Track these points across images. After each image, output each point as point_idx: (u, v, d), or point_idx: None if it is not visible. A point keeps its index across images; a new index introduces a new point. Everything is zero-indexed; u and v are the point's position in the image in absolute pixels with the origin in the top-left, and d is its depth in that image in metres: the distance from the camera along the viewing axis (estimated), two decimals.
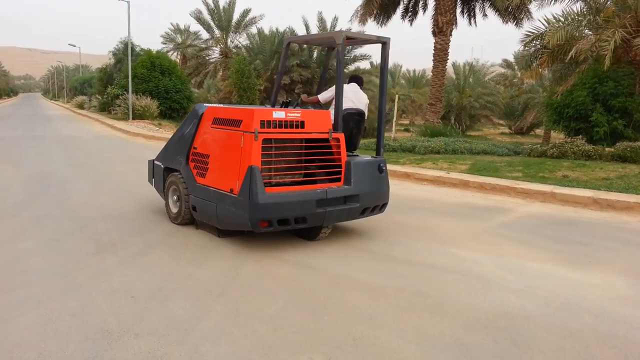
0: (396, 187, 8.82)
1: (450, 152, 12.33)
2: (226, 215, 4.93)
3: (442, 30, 18.48)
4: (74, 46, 44.24)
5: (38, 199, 6.77)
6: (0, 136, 16.58)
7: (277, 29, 29.53)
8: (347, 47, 27.60)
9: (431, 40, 19.28)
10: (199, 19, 34.51)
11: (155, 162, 6.32)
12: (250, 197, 4.59)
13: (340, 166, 5.18)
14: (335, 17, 28.02)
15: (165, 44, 43.28)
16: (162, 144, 6.58)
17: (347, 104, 5.62)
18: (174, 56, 43.49)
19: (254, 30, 32.96)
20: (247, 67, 15.55)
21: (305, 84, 27.47)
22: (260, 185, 4.60)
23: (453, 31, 19.11)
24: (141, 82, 25.14)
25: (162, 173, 6.10)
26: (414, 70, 43.69)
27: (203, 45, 37.36)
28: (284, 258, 4.74)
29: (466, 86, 32.70)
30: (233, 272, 4.23)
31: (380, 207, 5.61)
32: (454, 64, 34.80)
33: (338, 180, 5.16)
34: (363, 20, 19.79)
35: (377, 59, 25.12)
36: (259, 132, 4.67)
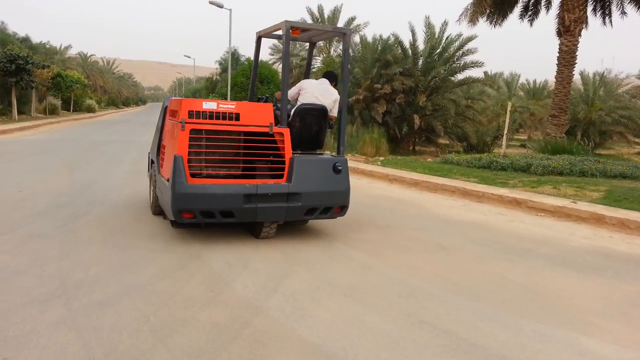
0: (501, 219, 6.78)
1: (576, 173, 9.82)
2: (166, 205, 4.87)
3: (569, 30, 15.60)
4: (189, 57, 46.19)
5: (49, 213, 5.77)
6: (92, 139, 16.77)
7: (380, 36, 27.89)
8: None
9: (555, 43, 16.46)
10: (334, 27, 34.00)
11: (150, 154, 6.52)
12: (172, 186, 4.58)
13: (284, 162, 5.00)
14: (445, 22, 25.73)
15: (273, 54, 43.74)
16: None
17: (309, 99, 5.50)
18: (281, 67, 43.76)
19: (357, 38, 31.68)
20: (338, 72, 14.04)
21: (408, 94, 25.51)
22: (181, 175, 4.58)
23: (582, 31, 16.12)
24: (240, 91, 24.88)
25: (149, 165, 6.37)
26: (534, 81, 39.66)
27: (306, 55, 36.84)
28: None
29: (596, 98, 28.57)
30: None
31: (333, 209, 5.24)
32: (581, 73, 30.72)
33: (280, 177, 4.98)
34: (473, 20, 17.52)
35: (491, 67, 22.59)
36: (186, 122, 4.67)
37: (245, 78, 25.25)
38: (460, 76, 26.79)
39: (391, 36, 27.15)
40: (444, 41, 25.64)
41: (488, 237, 5.85)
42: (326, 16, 33.51)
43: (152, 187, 6.07)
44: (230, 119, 4.88)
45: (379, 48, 27.14)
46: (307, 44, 7.13)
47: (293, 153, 5.10)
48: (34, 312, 3.12)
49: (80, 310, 3.19)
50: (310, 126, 5.46)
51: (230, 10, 24.13)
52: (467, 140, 26.99)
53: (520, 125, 34.95)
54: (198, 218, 4.67)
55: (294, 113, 5.41)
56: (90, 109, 42.08)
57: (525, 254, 5.15)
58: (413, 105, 25.51)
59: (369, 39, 28.65)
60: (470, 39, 24.72)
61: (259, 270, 4.17)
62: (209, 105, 4.86)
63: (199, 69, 41.83)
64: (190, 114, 4.73)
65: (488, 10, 17.67)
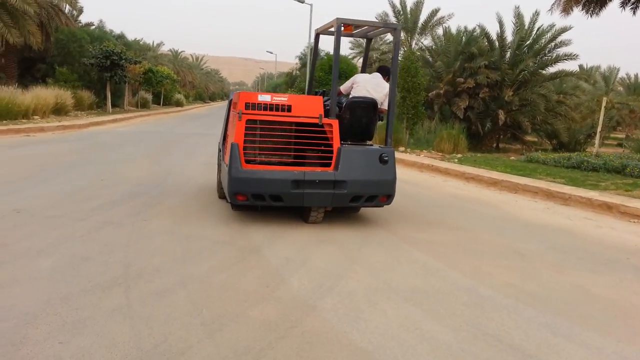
0: (588, 224, 6.22)
1: None
2: (225, 188, 5.36)
3: None
4: (271, 53, 47.11)
5: (124, 202, 6.01)
6: (177, 132, 17.54)
7: (465, 28, 26.80)
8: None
9: None
10: (384, 22, 33.47)
11: (219, 143, 6.86)
12: (229, 170, 5.03)
13: (332, 152, 5.26)
14: (536, 12, 24.22)
15: (353, 48, 43.57)
16: None
17: (360, 92, 5.76)
18: (361, 61, 43.49)
19: (440, 31, 30.68)
20: (414, 64, 13.62)
21: (493, 88, 24.32)
22: (237, 160, 5.00)
23: None
24: (317, 85, 24.96)
25: (218, 154, 6.75)
26: (635, 75, 36.43)
27: (385, 49, 36.32)
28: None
29: None
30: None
31: (379, 198, 5.45)
32: None
33: (329, 165, 5.25)
34: (567, 10, 16.24)
35: (587, 60, 21.04)
36: (243, 113, 5.09)
37: (324, 73, 25.33)
38: (552, 69, 25.11)
39: (477, 28, 25.98)
40: (534, 32, 24.17)
41: (572, 243, 5.35)
42: (409, 9, 32.71)
43: (218, 173, 6.58)
44: (283, 110, 5.23)
45: (463, 40, 26.11)
46: (389, 37, 7.06)
47: (342, 143, 5.37)
48: (94, 299, 3.21)
49: (137, 299, 3.24)
50: (360, 118, 5.71)
51: (311, 5, 24.27)
52: (557, 138, 25.33)
53: (618, 123, 32.27)
54: (250, 201, 5.08)
55: (345, 106, 5.72)
56: (178, 103, 44.24)
57: (613, 265, 4.64)
58: (498, 100, 24.29)
59: (453, 31, 27.69)
60: (563, 29, 23.11)
61: (317, 267, 4.06)
62: (264, 97, 5.27)
63: (280, 64, 42.65)
64: (247, 106, 5.15)
65: None
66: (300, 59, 32.98)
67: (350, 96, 5.83)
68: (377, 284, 3.79)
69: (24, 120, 15.61)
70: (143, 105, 33.33)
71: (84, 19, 34.75)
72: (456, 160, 11.79)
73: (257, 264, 4.06)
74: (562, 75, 25.05)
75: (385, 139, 5.79)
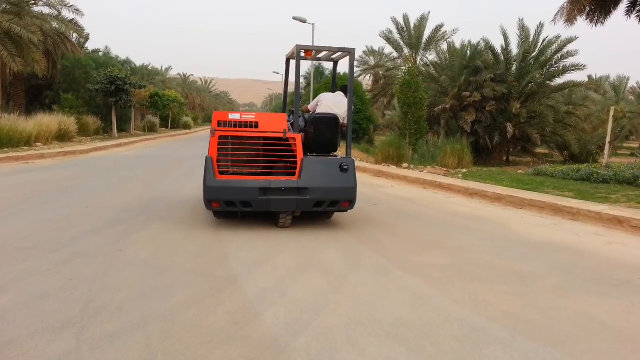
0: (597, 240, 5.82)
1: None
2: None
3: None
4: (277, 73, 47.31)
5: (104, 230, 5.73)
6: (179, 154, 17.38)
7: (469, 42, 26.57)
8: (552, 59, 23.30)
9: None
10: (389, 39, 33.48)
11: None
12: (204, 181, 5.65)
13: (296, 162, 5.84)
14: (540, 23, 23.94)
15: (359, 66, 43.53)
16: None
17: (324, 109, 6.42)
18: (367, 78, 43.48)
19: (445, 46, 30.51)
20: (415, 79, 13.35)
21: (500, 101, 23.95)
22: (211, 172, 5.62)
23: None
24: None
25: None
26: None
27: (391, 65, 36.21)
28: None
29: None
30: None
31: (341, 203, 5.96)
32: None
33: (293, 174, 5.82)
34: (570, 19, 15.89)
35: (595, 70, 20.64)
36: (216, 130, 5.73)
37: (328, 91, 25.21)
38: (559, 81, 24.75)
39: (481, 41, 25.79)
40: (539, 44, 23.90)
41: (579, 263, 4.96)
42: (412, 25, 32.69)
43: None
44: (251, 126, 5.89)
45: (468, 54, 25.89)
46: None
47: (306, 155, 6.01)
48: (41, 343, 2.90)
49: (88, 343, 2.92)
50: (324, 133, 6.29)
51: (312, 24, 24.22)
52: (568, 150, 24.82)
53: (631, 133, 31.66)
54: (223, 207, 5.70)
55: (309, 121, 6.36)
56: (186, 126, 44.42)
57: (624, 287, 4.23)
58: (506, 113, 23.92)
59: (458, 45, 27.47)
60: (569, 40, 22.79)
61: (296, 299, 3.72)
62: (234, 116, 5.96)
63: (290, 86, 42.45)
64: (219, 123, 5.82)
65: (588, 8, 15.99)
66: (305, 78, 32.92)
67: (315, 113, 6.47)
68: (360, 317, 3.43)
69: (25, 148, 15.57)
70: (150, 129, 33.44)
71: (91, 45, 35.22)
72: (460, 175, 11.41)
73: (231, 297, 3.73)
74: (570, 86, 24.64)
75: (346, 150, 6.38)
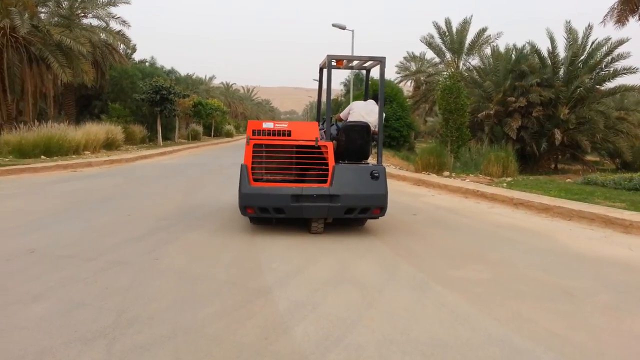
0: None
1: None
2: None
3: None
4: (316, 80, 47.50)
5: (142, 239, 5.80)
6: (221, 162, 17.61)
7: (514, 45, 25.87)
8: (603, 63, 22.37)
9: None
10: (430, 44, 33.02)
11: None
12: (239, 188, 5.87)
13: (327, 170, 5.95)
14: (589, 25, 23.02)
15: (399, 72, 43.20)
16: None
17: (356, 117, 6.54)
18: (407, 85, 43.08)
19: (488, 50, 29.81)
20: (456, 85, 13.04)
21: (547, 106, 23.15)
22: (246, 179, 5.84)
23: None
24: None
25: None
26: None
27: (432, 71, 35.67)
28: None
29: None
30: None
31: (372, 210, 5.99)
32: None
33: (325, 182, 5.92)
34: (621, 20, 15.27)
35: None
36: (250, 139, 5.94)
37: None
38: (610, 85, 23.73)
39: (526, 45, 25.06)
40: (588, 46, 23.00)
41: (632, 280, 4.64)
42: (454, 29, 32.14)
43: None
44: (284, 135, 6.04)
45: (513, 58, 25.20)
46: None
47: (338, 162, 6.13)
48: (72, 354, 2.91)
49: (118, 355, 2.91)
50: (355, 140, 6.40)
51: (352, 31, 24.14)
52: (620, 157, 23.74)
53: None
54: (257, 213, 5.88)
55: (341, 129, 6.49)
56: (228, 134, 45.16)
57: None
58: (553, 119, 23.10)
59: (502, 49, 26.80)
60: (620, 42, 21.82)
61: (328, 314, 3.61)
62: (268, 124, 6.15)
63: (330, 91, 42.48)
64: (254, 132, 6.03)
65: None
66: (345, 85, 32.89)
67: (347, 121, 6.61)
68: (394, 334, 3.30)
69: (74, 156, 16.15)
70: (194, 137, 34.18)
71: (137, 56, 36.37)
72: (505, 184, 11.03)
73: (262, 310, 3.66)
74: (621, 90, 23.57)
75: (377, 157, 6.41)
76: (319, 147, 6.03)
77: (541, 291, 4.28)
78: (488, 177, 12.47)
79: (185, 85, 36.57)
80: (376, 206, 5.99)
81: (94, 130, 18.49)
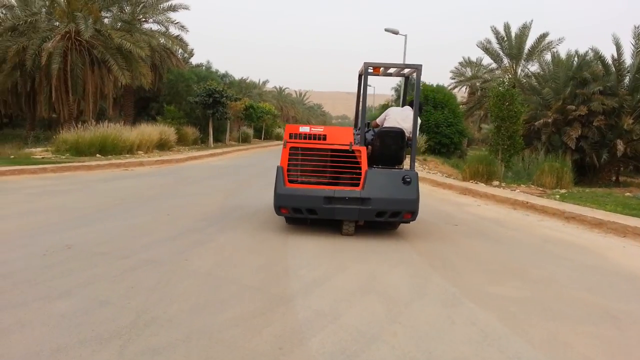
0: None
1: None
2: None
3: None
4: (370, 86, 47.32)
5: (178, 238, 5.85)
6: (268, 165, 17.73)
7: (576, 52, 24.72)
8: None
9: None
10: (487, 49, 32.07)
11: None
12: (275, 189, 6.07)
13: (360, 174, 6.07)
14: None
15: (454, 78, 42.32)
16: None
17: (391, 123, 6.67)
18: (462, 90, 42.15)
19: (548, 56, 28.65)
20: (509, 91, 12.53)
21: (610, 116, 21.95)
22: (281, 180, 6.02)
23: None
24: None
25: None
26: None
27: (488, 77, 34.66)
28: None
29: None
30: None
31: (402, 214, 6.07)
32: None
33: (357, 185, 6.04)
34: None
35: None
36: (287, 142, 6.13)
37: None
38: None
39: (589, 51, 23.88)
40: None
41: None
42: (513, 34, 31.09)
43: None
44: (319, 139, 6.17)
45: (574, 65, 24.08)
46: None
47: (371, 167, 6.26)
48: (85, 354, 2.92)
49: (129, 357, 2.90)
50: (390, 146, 6.52)
51: (405, 36, 23.84)
52: None
53: None
54: (291, 213, 6.10)
55: (376, 135, 6.61)
56: (279, 137, 45.61)
57: None
58: (616, 129, 21.85)
59: (563, 55, 25.67)
60: None
61: (349, 326, 3.48)
62: (304, 129, 6.30)
63: (378, 97, 42.50)
64: (291, 136, 6.19)
65: None
66: (396, 90, 32.51)
67: (382, 127, 6.75)
68: (415, 352, 3.12)
69: (127, 155, 16.74)
70: (244, 139, 34.76)
71: (195, 61, 37.43)
72: (558, 196, 10.47)
73: (281, 318, 3.57)
74: None
75: (410, 163, 6.51)
76: (352, 152, 6.14)
77: (583, 313, 3.97)
78: (540, 189, 11.89)
79: (239, 89, 37.33)
80: (407, 210, 6.09)
81: (148, 130, 19.11)
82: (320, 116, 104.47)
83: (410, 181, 6.09)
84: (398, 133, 6.48)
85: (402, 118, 6.71)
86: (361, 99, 6.71)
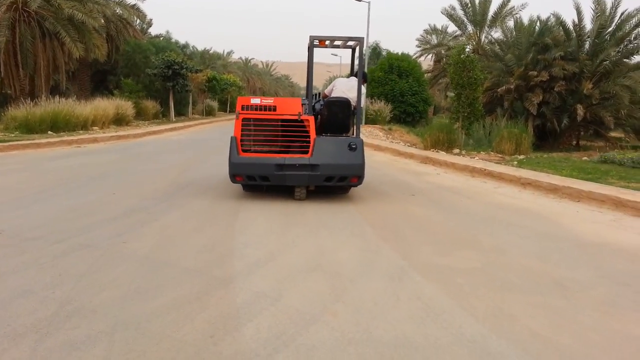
0: None
1: None
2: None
3: None
4: (336, 56, 46.74)
5: (119, 219, 5.56)
6: (227, 138, 17.33)
7: (537, 17, 24.76)
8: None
9: None
10: (451, 16, 31.94)
11: None
12: (229, 158, 6.43)
13: (309, 142, 6.43)
14: None
15: (420, 46, 42.09)
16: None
17: (338, 94, 7.02)
18: (428, 59, 42.04)
19: (511, 22, 28.67)
20: (469, 58, 12.41)
21: (570, 81, 22.19)
22: (235, 150, 6.39)
23: None
24: (377, 86, 24.03)
25: None
26: None
27: (453, 44, 34.58)
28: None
29: None
30: None
31: (349, 178, 6.50)
32: None
33: (306, 152, 6.42)
34: None
35: None
36: (240, 113, 6.45)
37: (384, 72, 24.34)
38: (638, 58, 22.55)
39: (551, 16, 23.96)
40: (617, 18, 21.83)
41: (636, 270, 4.23)
42: (477, 1, 30.95)
43: None
44: (270, 110, 6.44)
45: (536, 30, 24.15)
46: None
47: (320, 135, 6.62)
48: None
49: (43, 354, 2.66)
50: (337, 115, 6.87)
51: (368, 3, 23.38)
52: None
53: None
54: (245, 180, 6.50)
55: (324, 105, 7.03)
56: None
57: None
58: (576, 94, 22.13)
59: (525, 21, 25.70)
60: None
61: (288, 307, 3.31)
62: (255, 100, 6.53)
63: (345, 66, 41.91)
64: (243, 107, 6.48)
65: None
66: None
67: (330, 97, 7.06)
68: (355, 332, 2.98)
69: (81, 132, 16.08)
70: (209, 112, 33.99)
71: (154, 31, 36.07)
72: (516, 162, 10.51)
73: (217, 302, 3.38)
74: None
75: (355, 130, 6.78)
76: (301, 121, 6.47)
77: (532, 283, 3.90)
78: (500, 155, 11.94)
79: (202, 60, 36.27)
80: (353, 175, 6.48)
81: (103, 105, 18.38)
82: (288, 87, 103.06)
83: (355, 147, 6.43)
84: (344, 102, 6.82)
85: (347, 88, 7.02)
86: (307, 71, 7.01)
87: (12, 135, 14.07)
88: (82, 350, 2.72)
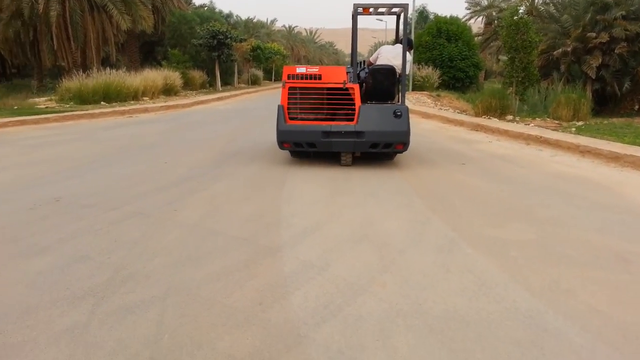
0: None
1: None
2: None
3: None
4: (381, 21, 45.71)
5: (169, 187, 5.66)
6: (273, 107, 17.34)
7: None
8: None
9: None
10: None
11: None
12: (277, 126, 6.63)
13: (354, 109, 6.57)
14: None
15: (469, 8, 40.44)
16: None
17: (383, 61, 7.07)
18: (478, 21, 40.41)
19: None
20: (523, 20, 11.76)
21: (633, 42, 20.78)
22: (282, 118, 6.56)
23: None
24: (425, 51, 23.32)
25: None
26: None
27: (505, 6, 32.99)
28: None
29: None
30: None
31: (394, 145, 6.60)
32: None
33: (352, 120, 6.56)
34: None
35: None
36: (286, 82, 6.61)
37: (431, 37, 23.55)
38: None
39: None
40: None
41: None
42: None
43: None
44: (315, 78, 6.58)
45: None
46: None
47: (365, 103, 6.73)
48: (55, 314, 2.79)
49: (100, 317, 2.76)
50: (382, 82, 6.94)
51: None
52: None
53: None
54: (292, 147, 6.76)
55: (368, 73, 7.06)
56: None
57: None
58: (639, 56, 20.73)
59: None
60: None
61: (335, 277, 3.29)
62: (301, 69, 6.68)
63: (390, 32, 40.87)
64: (289, 76, 6.62)
65: None
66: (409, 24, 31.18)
67: (374, 64, 7.12)
68: (404, 304, 2.93)
69: (132, 102, 16.49)
70: (254, 82, 34.10)
71: (197, 1, 36.19)
72: (574, 129, 10.00)
73: (265, 271, 3.39)
74: None
75: (401, 98, 6.87)
76: (346, 89, 6.58)
77: (591, 256, 3.71)
78: (556, 122, 11.39)
79: (245, 29, 36.22)
80: (398, 142, 6.57)
81: (152, 76, 18.72)
82: (333, 55, 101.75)
83: (400, 115, 6.53)
84: (389, 70, 6.90)
85: (392, 55, 7.05)
86: (352, 39, 6.91)
87: (67, 106, 14.58)
88: (137, 314, 2.80)
